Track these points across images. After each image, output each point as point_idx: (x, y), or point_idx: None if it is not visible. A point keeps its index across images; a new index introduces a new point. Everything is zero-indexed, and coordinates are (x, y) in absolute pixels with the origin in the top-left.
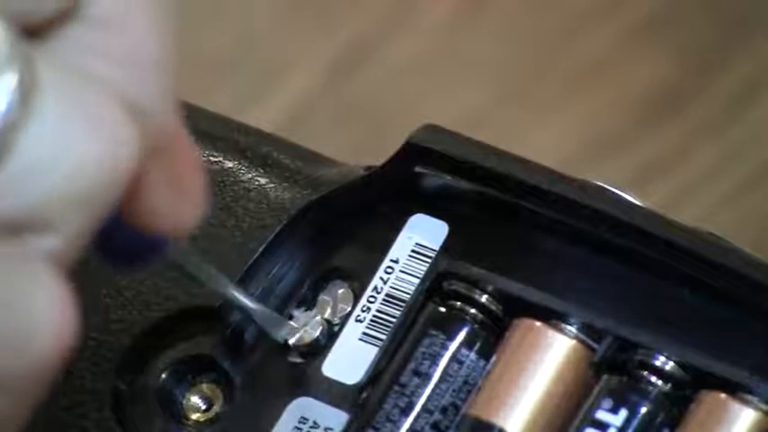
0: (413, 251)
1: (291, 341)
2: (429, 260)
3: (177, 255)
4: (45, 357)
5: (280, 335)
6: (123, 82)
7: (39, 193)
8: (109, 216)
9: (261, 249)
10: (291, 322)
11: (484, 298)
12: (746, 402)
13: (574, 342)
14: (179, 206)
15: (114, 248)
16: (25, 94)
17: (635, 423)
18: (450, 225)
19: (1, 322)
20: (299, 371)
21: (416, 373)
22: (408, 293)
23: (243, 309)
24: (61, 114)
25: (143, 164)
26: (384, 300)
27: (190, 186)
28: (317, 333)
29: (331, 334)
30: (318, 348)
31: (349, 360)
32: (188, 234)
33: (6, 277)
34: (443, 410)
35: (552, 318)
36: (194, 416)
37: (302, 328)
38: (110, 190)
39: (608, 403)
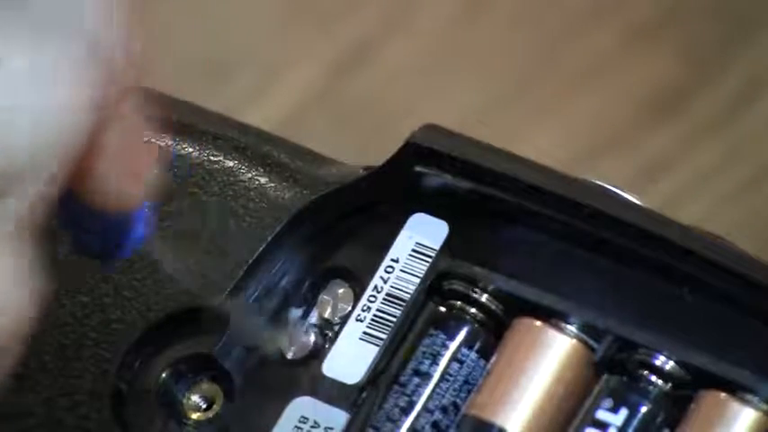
0: (413, 251)
1: (289, 355)
2: (429, 259)
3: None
4: (6, 331)
5: (277, 347)
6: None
7: None
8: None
9: (261, 249)
10: (284, 334)
11: (484, 297)
12: (746, 402)
13: (574, 342)
14: (125, 182)
15: (87, 240)
16: None
17: (635, 423)
18: (450, 225)
19: None
20: (300, 370)
21: (417, 372)
22: (409, 293)
23: (232, 322)
24: (22, 65)
25: (103, 119)
26: (384, 299)
27: (138, 163)
28: (312, 339)
29: (330, 334)
30: (318, 349)
31: (349, 360)
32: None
33: None
34: (444, 410)
35: (552, 317)
36: (194, 415)
37: (298, 338)
38: (70, 138)
39: (608, 403)
